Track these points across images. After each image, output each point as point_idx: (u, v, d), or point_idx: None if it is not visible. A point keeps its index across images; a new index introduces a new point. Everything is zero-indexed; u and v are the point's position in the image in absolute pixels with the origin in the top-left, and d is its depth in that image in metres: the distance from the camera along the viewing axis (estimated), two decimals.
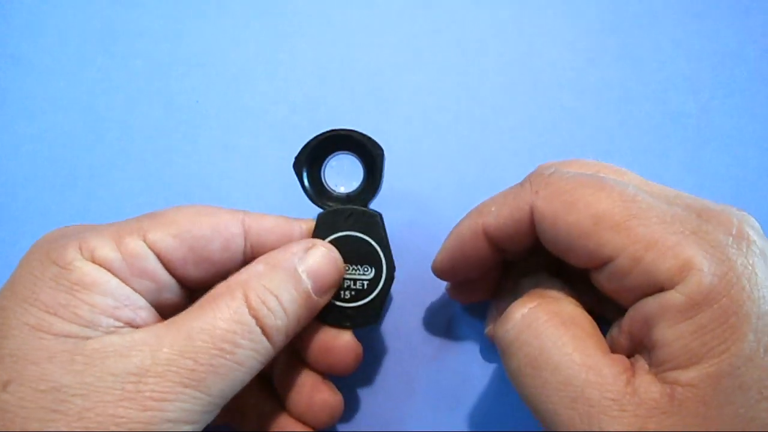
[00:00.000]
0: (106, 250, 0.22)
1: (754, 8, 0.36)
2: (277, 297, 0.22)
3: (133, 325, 0.21)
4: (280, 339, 0.22)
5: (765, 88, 0.35)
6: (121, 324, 0.21)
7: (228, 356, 0.20)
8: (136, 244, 0.22)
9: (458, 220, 0.26)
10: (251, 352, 0.21)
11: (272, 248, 0.24)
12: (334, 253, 0.25)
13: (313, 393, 0.26)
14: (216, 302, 0.22)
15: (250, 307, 0.21)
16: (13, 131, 0.34)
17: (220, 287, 0.22)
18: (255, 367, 0.22)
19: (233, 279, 0.23)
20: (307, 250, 0.24)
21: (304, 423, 0.26)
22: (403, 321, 0.32)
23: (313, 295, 0.24)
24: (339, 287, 0.26)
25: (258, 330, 0.21)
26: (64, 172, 0.34)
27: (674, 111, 0.34)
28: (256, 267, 0.23)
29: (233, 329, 0.21)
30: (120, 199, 0.33)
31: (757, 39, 0.35)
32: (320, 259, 0.24)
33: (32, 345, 0.19)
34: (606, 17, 0.36)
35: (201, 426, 0.20)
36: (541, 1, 0.36)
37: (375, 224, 0.26)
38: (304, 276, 0.23)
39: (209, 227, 0.24)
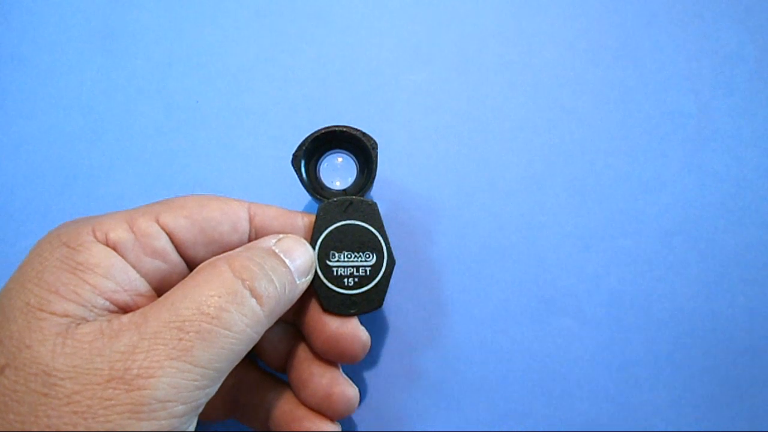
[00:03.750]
0: (119, 231, 0.22)
1: (754, 8, 0.36)
2: (261, 264, 0.23)
3: (127, 311, 0.21)
4: (270, 303, 0.22)
5: (765, 88, 0.35)
6: (116, 308, 0.21)
7: (214, 321, 0.20)
8: (148, 225, 0.23)
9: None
10: (239, 316, 0.21)
11: (275, 233, 0.26)
12: (304, 240, 0.26)
13: (332, 385, 0.26)
14: (199, 273, 0.22)
15: (234, 271, 0.22)
16: (13, 131, 0.35)
17: (203, 263, 0.23)
18: (246, 332, 0.21)
19: (215, 257, 0.23)
20: (279, 238, 0.25)
21: (321, 414, 0.26)
22: (401, 315, 0.32)
23: (292, 272, 0.24)
24: (341, 275, 0.27)
25: (246, 293, 0.21)
26: (64, 172, 0.34)
27: (674, 111, 0.34)
28: (235, 249, 0.24)
29: (218, 293, 0.21)
30: (120, 199, 0.33)
31: (757, 39, 0.35)
32: (293, 242, 0.25)
33: (30, 326, 0.19)
34: (606, 17, 0.36)
35: (196, 404, 0.20)
36: (541, 1, 0.36)
37: (373, 212, 0.27)
38: (281, 255, 0.24)
39: (218, 210, 0.25)
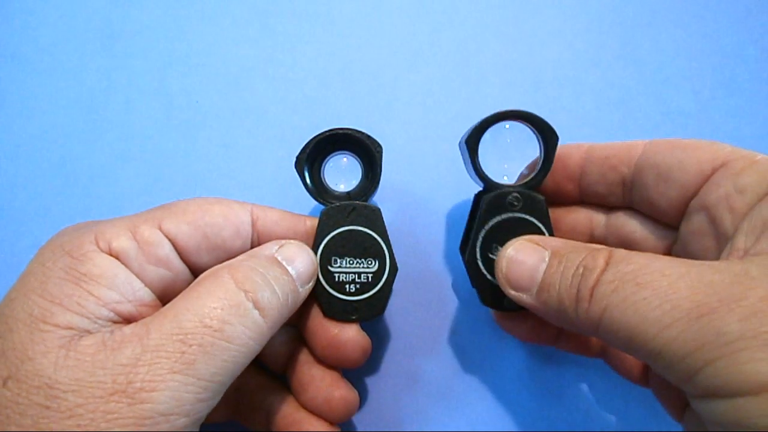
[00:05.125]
0: (122, 239, 0.22)
1: (754, 8, 0.36)
2: (263, 273, 0.23)
3: (131, 321, 0.21)
4: (273, 314, 0.22)
5: (765, 88, 0.35)
6: (119, 319, 0.21)
7: (217, 334, 0.20)
8: (151, 233, 0.23)
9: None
10: (242, 328, 0.21)
11: (277, 239, 0.25)
12: (306, 247, 0.26)
13: (332, 389, 0.26)
14: (202, 284, 0.22)
15: (237, 282, 0.22)
16: (13, 131, 0.34)
17: (206, 273, 0.23)
18: (248, 345, 0.21)
19: (218, 266, 0.23)
20: (282, 245, 0.25)
21: (321, 417, 0.26)
22: (402, 318, 0.32)
23: (295, 279, 0.24)
24: (343, 281, 0.26)
25: (249, 305, 0.21)
26: (64, 172, 0.34)
27: (674, 111, 0.34)
28: (238, 257, 0.24)
29: (220, 306, 0.21)
30: (120, 199, 0.33)
31: (757, 39, 0.35)
32: (295, 248, 0.25)
33: (33, 338, 0.19)
34: (606, 17, 0.36)
35: (198, 416, 0.20)
36: (541, 1, 0.36)
37: (376, 218, 0.27)
38: (284, 262, 0.24)
39: (221, 215, 0.25)
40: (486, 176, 0.27)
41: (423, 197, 0.33)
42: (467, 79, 0.35)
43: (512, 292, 0.24)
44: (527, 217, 0.26)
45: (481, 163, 0.27)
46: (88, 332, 0.20)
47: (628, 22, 0.36)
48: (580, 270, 0.21)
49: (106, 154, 0.34)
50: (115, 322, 0.21)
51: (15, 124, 0.35)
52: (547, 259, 0.23)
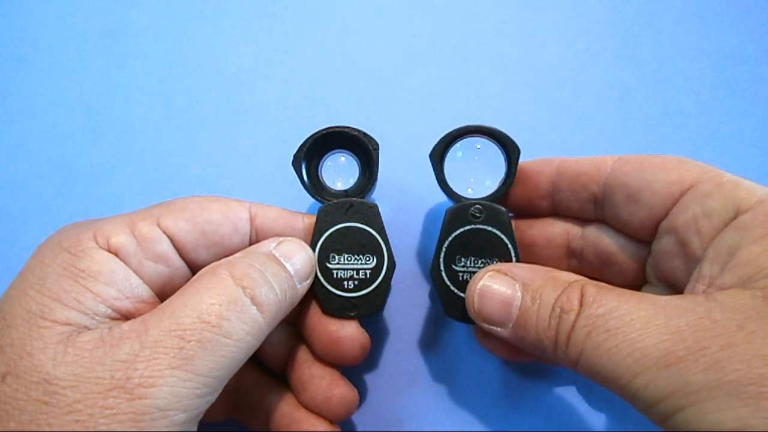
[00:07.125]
0: (120, 236, 0.22)
1: (754, 8, 0.36)
2: (261, 270, 0.23)
3: (129, 318, 0.21)
4: (271, 310, 0.22)
5: (765, 88, 0.35)
6: (117, 315, 0.21)
7: (215, 330, 0.20)
8: (150, 229, 0.23)
9: None
10: (239, 324, 0.21)
11: (275, 237, 0.26)
12: (304, 244, 0.26)
13: (331, 387, 0.26)
14: (199, 280, 0.22)
15: (235, 278, 0.22)
16: (13, 131, 0.35)
17: (204, 270, 0.23)
18: (246, 340, 0.21)
19: (215, 263, 0.23)
20: (279, 242, 0.25)
21: (320, 416, 0.26)
22: (401, 316, 0.32)
23: (292, 276, 0.24)
24: (341, 278, 0.26)
25: (247, 301, 0.21)
26: (64, 172, 0.34)
27: (674, 111, 0.34)
28: (235, 254, 0.24)
29: (218, 302, 0.21)
30: (120, 199, 0.33)
31: (757, 39, 0.35)
32: (293, 245, 0.25)
33: (31, 334, 0.19)
34: (606, 17, 0.36)
35: (196, 413, 0.20)
36: (541, 1, 0.36)
37: (374, 215, 0.27)
38: (281, 259, 0.24)
39: (219, 212, 0.25)
40: (450, 189, 0.27)
41: (421, 195, 0.33)
42: (466, 78, 0.35)
43: (486, 326, 0.24)
44: (490, 228, 0.27)
45: (447, 176, 0.27)
46: (87, 328, 0.20)
47: (628, 22, 0.36)
48: (557, 311, 0.22)
49: (106, 154, 0.34)
50: (113, 319, 0.21)
51: (15, 124, 0.35)
52: (519, 293, 0.23)
